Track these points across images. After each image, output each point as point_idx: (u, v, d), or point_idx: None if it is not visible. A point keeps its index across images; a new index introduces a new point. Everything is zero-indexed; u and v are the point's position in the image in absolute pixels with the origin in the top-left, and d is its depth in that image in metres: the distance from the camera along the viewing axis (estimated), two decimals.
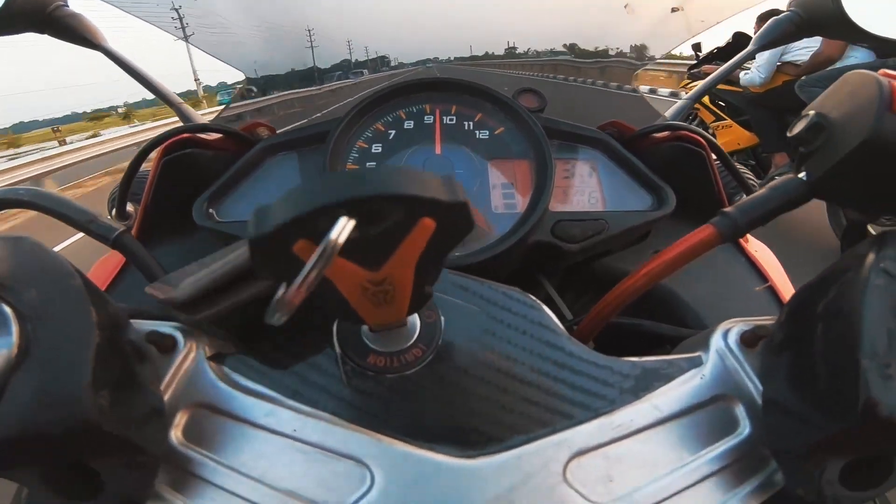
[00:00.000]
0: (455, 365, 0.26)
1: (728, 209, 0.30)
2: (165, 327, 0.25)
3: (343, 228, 0.15)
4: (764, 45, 0.68)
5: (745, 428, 0.24)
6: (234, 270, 0.22)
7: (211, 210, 0.46)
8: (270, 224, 0.15)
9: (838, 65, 2.73)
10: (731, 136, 3.23)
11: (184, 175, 0.49)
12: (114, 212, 0.55)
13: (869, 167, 0.24)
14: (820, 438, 0.19)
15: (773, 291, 0.47)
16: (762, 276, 0.48)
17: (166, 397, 0.23)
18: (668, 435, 0.24)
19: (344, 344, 0.26)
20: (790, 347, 0.22)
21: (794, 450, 0.21)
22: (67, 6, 0.60)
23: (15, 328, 0.17)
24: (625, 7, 0.63)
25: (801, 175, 0.29)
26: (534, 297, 0.29)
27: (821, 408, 0.19)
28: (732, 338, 0.26)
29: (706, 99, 3.40)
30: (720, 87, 3.21)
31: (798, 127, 0.28)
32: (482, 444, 0.23)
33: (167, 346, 0.24)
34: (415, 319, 0.26)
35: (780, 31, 0.60)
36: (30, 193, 0.33)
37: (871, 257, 0.19)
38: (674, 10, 0.61)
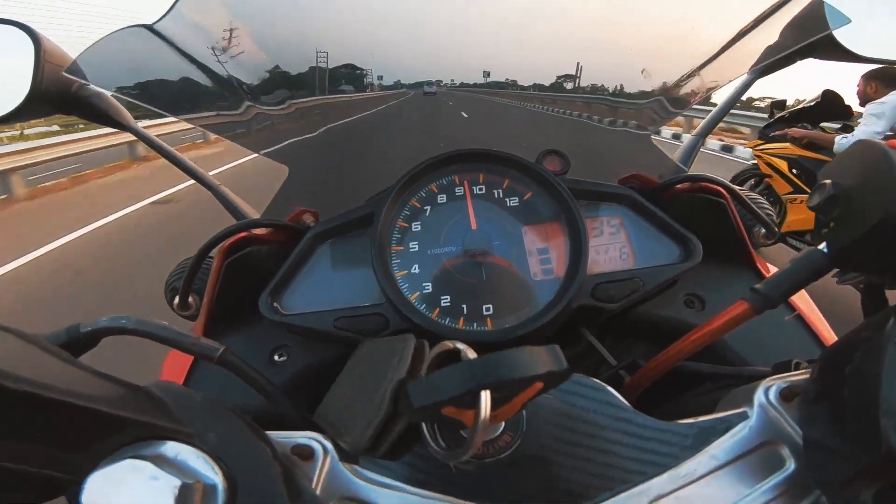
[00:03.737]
0: (540, 444, 0.31)
1: (759, 286, 0.35)
2: (304, 439, 0.29)
3: (486, 401, 0.21)
4: (762, 72, 0.72)
5: (790, 465, 0.28)
6: (385, 415, 0.28)
7: (275, 304, 0.50)
8: (429, 400, 0.21)
9: None
10: (809, 214, 2.79)
11: (243, 270, 0.53)
12: (175, 301, 0.58)
13: (886, 241, 0.29)
14: (856, 470, 0.23)
15: (801, 319, 0.50)
16: (790, 306, 0.51)
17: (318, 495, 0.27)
18: (727, 477, 0.29)
19: (448, 437, 0.31)
20: (824, 400, 0.27)
21: (834, 480, 0.25)
22: (89, 85, 0.62)
23: (215, 467, 0.20)
24: (642, 72, 0.67)
25: (822, 247, 0.33)
26: (599, 381, 0.34)
27: (854, 447, 0.23)
28: (773, 394, 0.30)
29: (783, 165, 3.02)
30: (803, 152, 2.91)
31: (816, 198, 0.32)
32: (574, 503, 0.28)
33: (307, 454, 0.28)
34: None
35: (774, 58, 0.64)
36: (132, 322, 0.34)
37: (888, 328, 0.23)
38: (643, 71, 0.66)
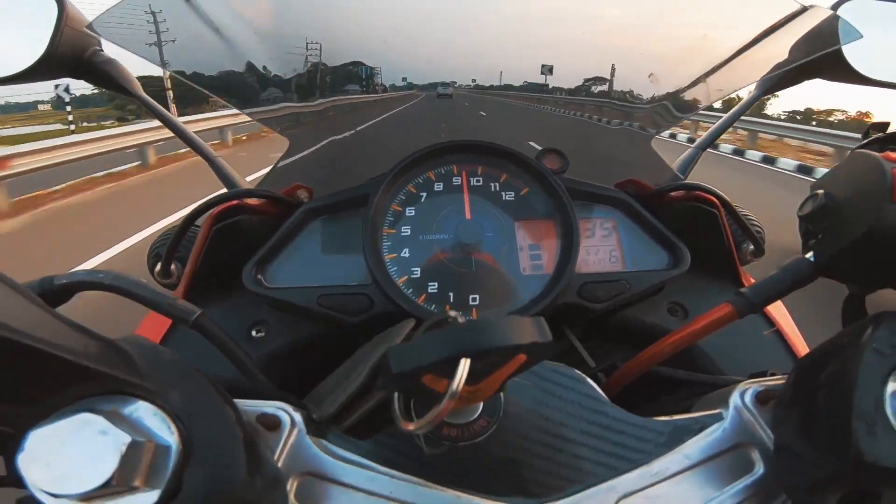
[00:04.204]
0: (515, 431, 0.31)
1: (744, 290, 0.35)
2: (271, 408, 0.28)
3: (464, 369, 0.20)
4: (768, 90, 0.71)
5: (759, 469, 0.28)
6: (361, 388, 0.28)
7: (259, 276, 0.50)
8: (409, 367, 0.20)
9: None
10: None
11: (230, 240, 0.53)
12: (157, 268, 0.57)
13: (871, 253, 0.29)
14: (822, 476, 0.23)
15: (779, 335, 0.51)
16: (769, 319, 0.51)
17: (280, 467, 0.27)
18: (697, 478, 0.29)
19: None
20: (797, 405, 0.27)
21: (801, 485, 0.25)
22: (103, 51, 0.62)
23: (173, 427, 0.19)
24: (649, 76, 0.67)
25: (809, 256, 0.33)
26: (579, 372, 0.34)
27: (823, 453, 0.23)
28: (748, 397, 0.30)
29: None
30: None
31: (807, 207, 0.32)
32: (544, 494, 0.28)
33: (273, 425, 0.28)
34: None
35: (780, 77, 0.64)
36: (109, 276, 0.34)
37: (865, 337, 0.24)
38: (650, 75, 0.65)
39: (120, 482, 0.17)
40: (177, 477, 0.19)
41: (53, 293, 0.33)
